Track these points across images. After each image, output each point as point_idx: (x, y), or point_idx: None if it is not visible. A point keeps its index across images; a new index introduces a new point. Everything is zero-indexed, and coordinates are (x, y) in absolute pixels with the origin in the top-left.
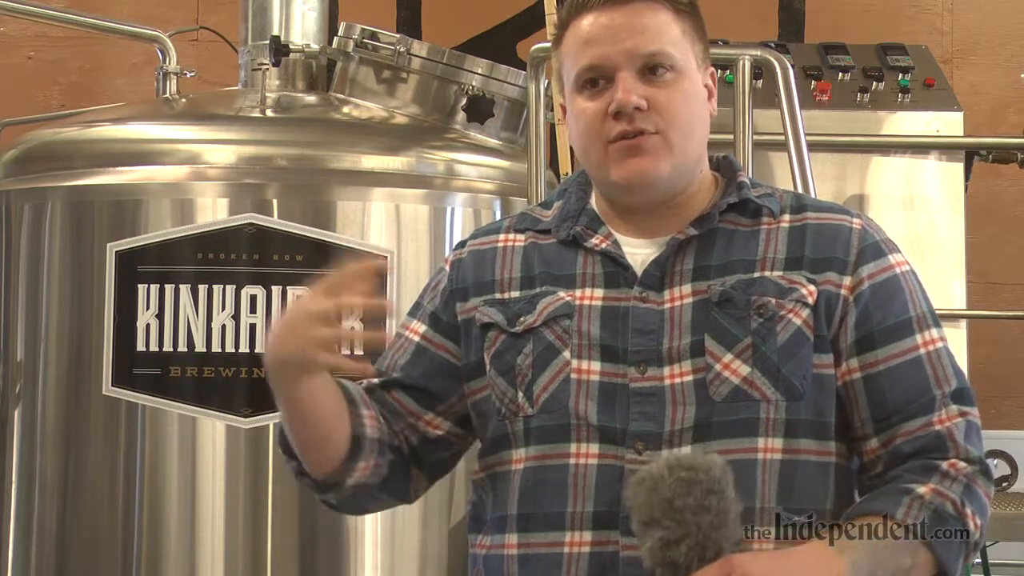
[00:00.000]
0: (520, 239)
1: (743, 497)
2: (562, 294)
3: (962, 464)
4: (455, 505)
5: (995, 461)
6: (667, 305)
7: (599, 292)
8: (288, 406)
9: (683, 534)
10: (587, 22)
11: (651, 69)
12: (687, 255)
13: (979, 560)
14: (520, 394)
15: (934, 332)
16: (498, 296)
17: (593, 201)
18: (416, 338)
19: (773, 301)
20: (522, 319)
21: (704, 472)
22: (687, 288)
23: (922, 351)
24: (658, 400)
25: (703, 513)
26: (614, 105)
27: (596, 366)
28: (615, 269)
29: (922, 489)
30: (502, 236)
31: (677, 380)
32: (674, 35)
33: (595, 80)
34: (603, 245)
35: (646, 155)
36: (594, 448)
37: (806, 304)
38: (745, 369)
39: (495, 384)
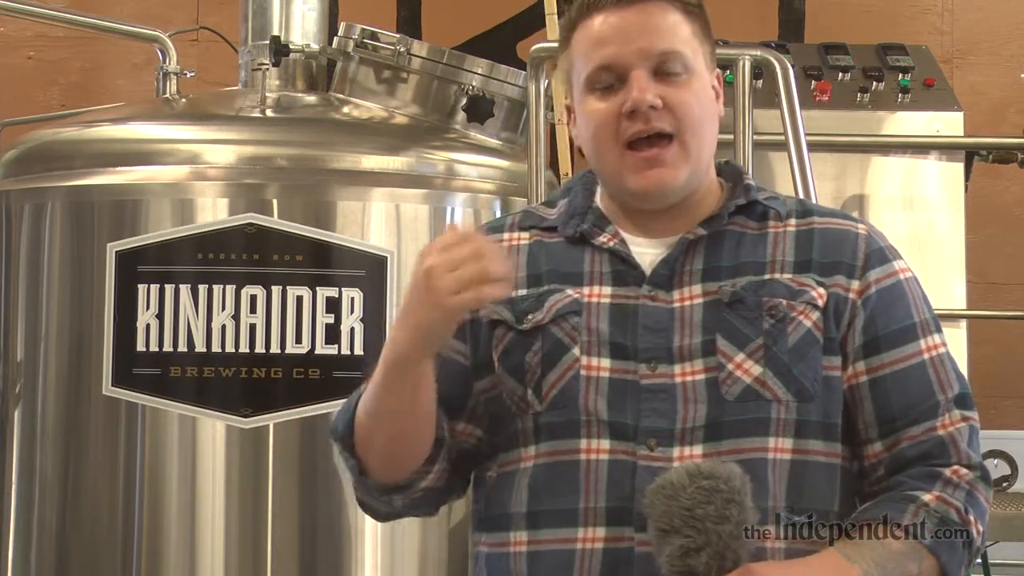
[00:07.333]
0: (525, 237)
1: (753, 496)
2: (570, 291)
3: (964, 471)
4: (455, 505)
5: (995, 461)
6: (676, 304)
7: (607, 290)
8: (402, 395)
9: (704, 543)
10: (598, 22)
11: (664, 68)
12: (696, 255)
13: (979, 560)
14: (529, 391)
15: (936, 338)
16: None
17: (599, 200)
18: None
19: (784, 302)
20: (530, 316)
21: (725, 482)
22: (697, 288)
23: (925, 356)
24: (669, 397)
25: (724, 522)
26: (629, 104)
27: (606, 363)
28: (623, 267)
29: (927, 497)
30: (506, 235)
31: (688, 378)
32: (685, 35)
33: (608, 80)
34: (611, 243)
35: (665, 167)
36: (605, 444)
37: (816, 306)
38: (757, 369)
39: (504, 382)
